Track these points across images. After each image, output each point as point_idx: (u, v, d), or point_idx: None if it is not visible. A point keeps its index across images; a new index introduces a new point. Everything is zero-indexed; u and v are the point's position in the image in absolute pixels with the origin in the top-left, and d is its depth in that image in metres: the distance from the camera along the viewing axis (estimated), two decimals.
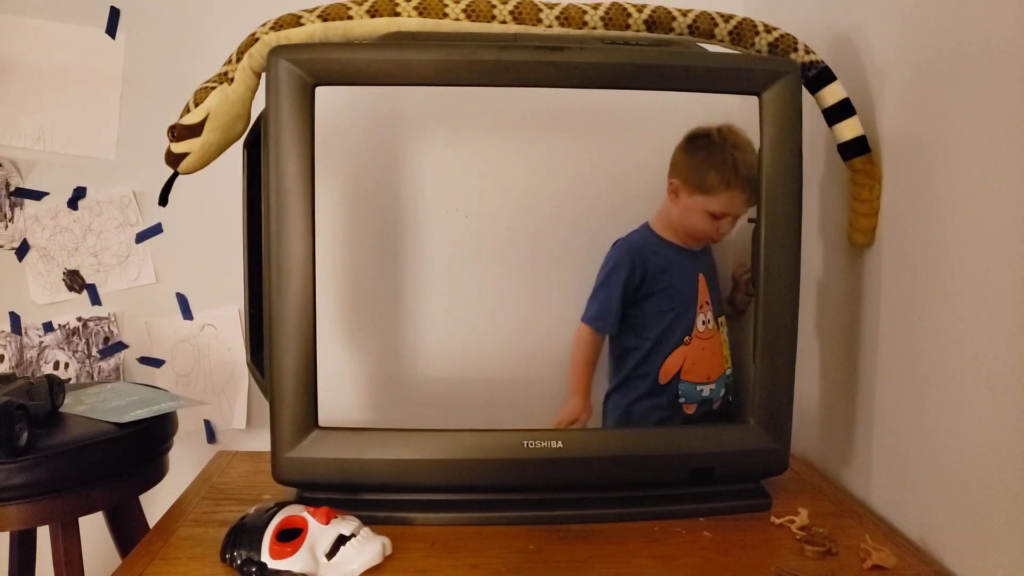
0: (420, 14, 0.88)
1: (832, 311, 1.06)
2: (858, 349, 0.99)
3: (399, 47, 0.86)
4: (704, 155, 1.17)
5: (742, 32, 0.93)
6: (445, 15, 0.88)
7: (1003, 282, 0.73)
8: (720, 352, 1.22)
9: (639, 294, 1.23)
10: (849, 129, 0.92)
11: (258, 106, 0.90)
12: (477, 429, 0.91)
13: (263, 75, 0.88)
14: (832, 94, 0.92)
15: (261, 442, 0.95)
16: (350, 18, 0.88)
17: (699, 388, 1.21)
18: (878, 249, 0.94)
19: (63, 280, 1.34)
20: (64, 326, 1.34)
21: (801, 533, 0.85)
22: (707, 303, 1.20)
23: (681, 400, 1.20)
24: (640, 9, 0.90)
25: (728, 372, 1.23)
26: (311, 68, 0.84)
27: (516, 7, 0.89)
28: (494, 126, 1.24)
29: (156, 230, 1.34)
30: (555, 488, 0.91)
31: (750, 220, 0.91)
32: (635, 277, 1.23)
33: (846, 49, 0.99)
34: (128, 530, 1.06)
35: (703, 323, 1.20)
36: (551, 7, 0.90)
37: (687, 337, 1.20)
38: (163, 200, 0.96)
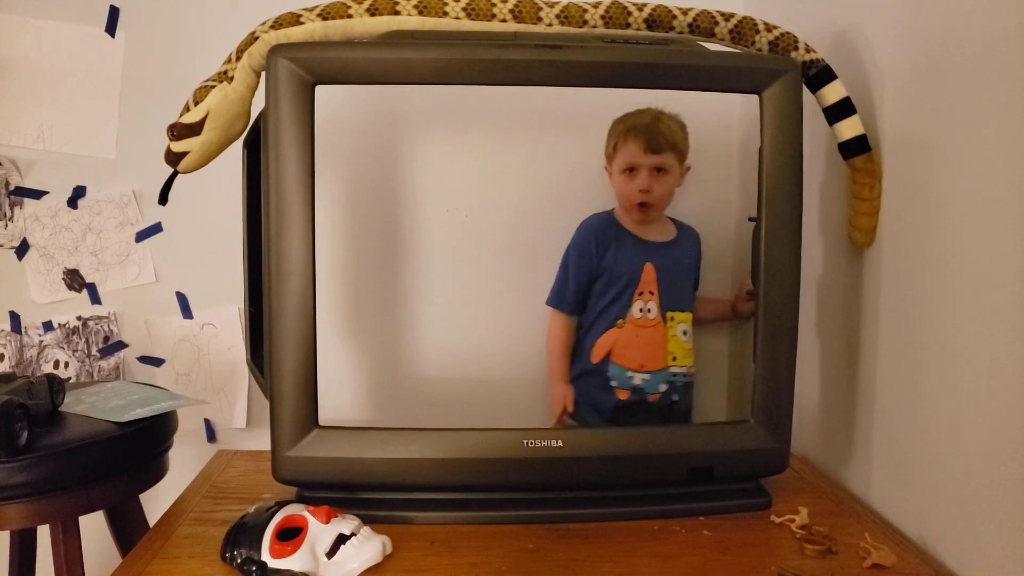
0: (420, 13, 0.88)
1: (832, 310, 1.06)
2: (858, 348, 0.99)
3: (399, 46, 0.86)
4: (613, 126, 1.23)
5: (742, 31, 0.93)
6: (445, 13, 0.88)
7: (1003, 281, 0.73)
8: (661, 345, 1.22)
9: (598, 273, 1.25)
10: (849, 128, 0.92)
11: (258, 105, 0.90)
12: (477, 428, 0.91)
13: (263, 74, 0.87)
14: (833, 93, 0.92)
15: (261, 441, 0.95)
16: (350, 17, 0.88)
17: (629, 374, 1.22)
18: (878, 248, 0.94)
19: (63, 279, 1.34)
20: (64, 325, 1.34)
21: (801, 532, 0.85)
22: (651, 293, 1.22)
23: (613, 383, 1.22)
24: (640, 8, 0.90)
25: (674, 371, 1.23)
26: (311, 67, 0.84)
27: (516, 5, 0.89)
28: (494, 125, 1.24)
29: (156, 229, 1.34)
30: (555, 487, 0.91)
31: (750, 219, 0.91)
32: (591, 257, 1.25)
33: (847, 48, 0.99)
34: (128, 529, 1.06)
35: (640, 310, 1.22)
36: (551, 6, 0.90)
37: (620, 320, 1.22)
38: (163, 199, 0.96)
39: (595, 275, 1.25)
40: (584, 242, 1.26)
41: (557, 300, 1.27)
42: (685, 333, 1.23)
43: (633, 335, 1.22)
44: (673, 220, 1.30)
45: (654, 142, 1.18)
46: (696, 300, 1.28)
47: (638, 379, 1.22)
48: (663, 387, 1.21)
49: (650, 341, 1.22)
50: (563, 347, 1.27)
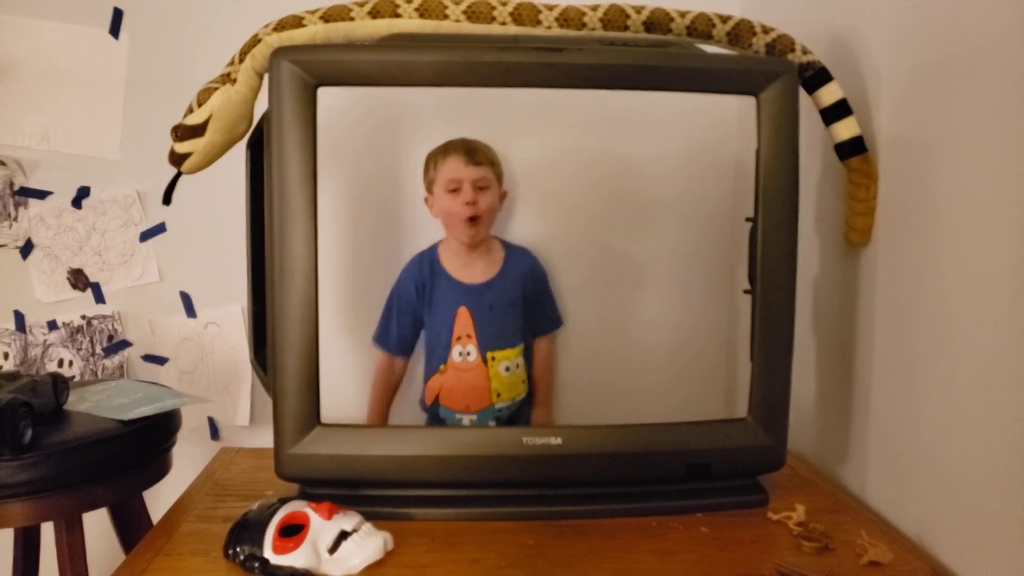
0: (421, 15, 0.88)
1: (828, 309, 1.07)
2: (854, 347, 1.00)
3: (400, 48, 0.87)
4: (428, 159, 1.25)
5: (739, 33, 0.93)
6: (445, 16, 0.89)
7: (998, 280, 0.74)
8: (484, 386, 1.23)
9: (416, 316, 1.27)
10: (846, 129, 0.93)
11: (261, 106, 0.90)
12: (477, 426, 0.92)
13: (266, 76, 0.88)
14: (829, 94, 0.93)
15: (264, 439, 0.95)
16: (352, 19, 0.89)
17: (457, 416, 1.24)
18: (874, 248, 0.95)
19: (67, 279, 1.35)
20: (68, 324, 1.35)
21: (798, 529, 0.86)
22: (468, 336, 1.23)
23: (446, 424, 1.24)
24: (639, 10, 0.91)
25: (499, 407, 1.24)
26: (313, 69, 0.84)
27: (516, 8, 0.89)
28: (494, 127, 1.25)
29: (160, 229, 1.35)
30: (554, 484, 0.91)
31: (747, 219, 0.92)
32: (410, 299, 1.27)
33: (843, 49, 1.00)
34: (132, 526, 1.07)
35: (459, 354, 1.23)
36: (550, 8, 0.90)
37: (442, 365, 1.24)
38: (167, 199, 0.97)
39: (416, 317, 1.27)
40: (405, 284, 1.27)
41: (382, 340, 1.28)
42: (508, 369, 1.24)
43: (455, 379, 1.24)
44: (505, 244, 1.30)
45: (474, 156, 1.21)
46: (532, 327, 1.28)
47: (466, 420, 1.24)
48: (491, 423, 1.23)
49: (473, 384, 1.23)
50: (383, 387, 1.28)
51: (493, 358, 1.23)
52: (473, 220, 1.21)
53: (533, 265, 1.31)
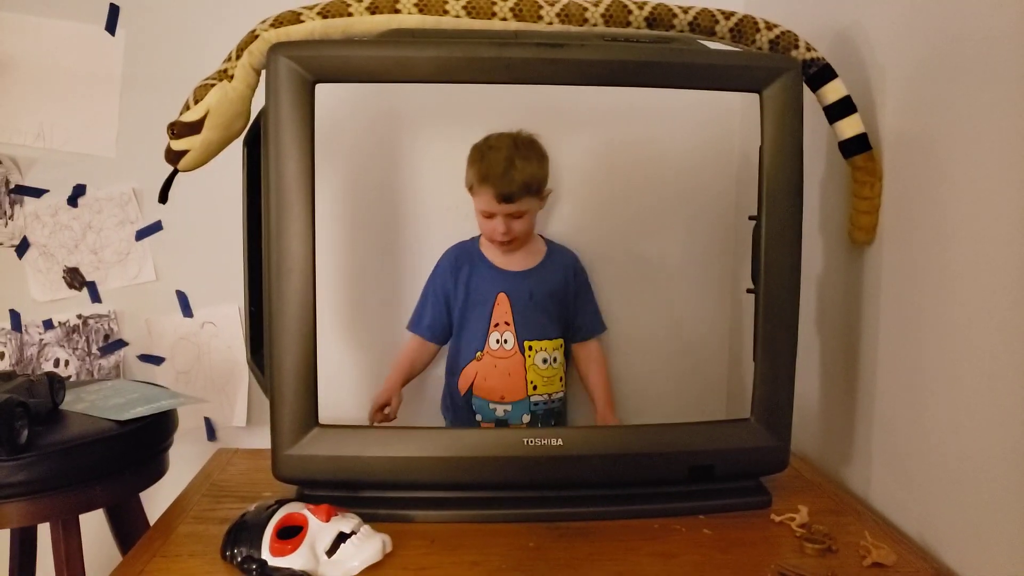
0: (420, 11, 0.88)
1: (832, 309, 1.06)
2: (858, 347, 0.99)
3: (399, 44, 0.86)
4: (469, 160, 1.21)
5: (743, 29, 0.92)
6: (445, 12, 0.88)
7: (1003, 279, 0.73)
8: (520, 376, 1.22)
9: (456, 302, 1.26)
10: (850, 126, 0.92)
11: (258, 103, 0.90)
12: (477, 426, 0.91)
13: (263, 72, 0.87)
14: (833, 91, 0.92)
15: (261, 440, 0.95)
16: (350, 15, 0.88)
17: (491, 406, 1.23)
18: (879, 247, 0.94)
19: (63, 277, 1.34)
20: (64, 323, 1.34)
21: (801, 531, 0.85)
22: (506, 324, 1.22)
23: (477, 416, 1.23)
24: (641, 6, 0.90)
25: (535, 400, 1.23)
26: (311, 65, 0.83)
27: (517, 4, 0.88)
28: (495, 123, 1.24)
29: (156, 227, 1.34)
30: (555, 486, 0.91)
31: (751, 218, 0.91)
32: (445, 286, 1.27)
33: (847, 46, 0.99)
34: (129, 527, 1.06)
35: (497, 342, 1.22)
36: (552, 4, 0.89)
37: (479, 352, 1.23)
38: (163, 197, 0.96)
39: (452, 304, 1.26)
40: (442, 271, 1.27)
41: (415, 324, 1.29)
42: (545, 361, 1.23)
43: (491, 367, 1.23)
44: (548, 242, 1.30)
45: (506, 193, 1.16)
46: (576, 328, 1.28)
47: (500, 411, 1.23)
48: (526, 417, 1.22)
49: (508, 372, 1.22)
50: (406, 362, 1.28)
51: (531, 348, 1.22)
52: (507, 243, 1.22)
53: (576, 262, 1.30)
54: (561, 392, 1.27)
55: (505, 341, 1.22)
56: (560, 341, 1.26)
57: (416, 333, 1.29)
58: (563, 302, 1.27)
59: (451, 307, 1.27)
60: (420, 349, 1.29)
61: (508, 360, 1.22)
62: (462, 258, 1.27)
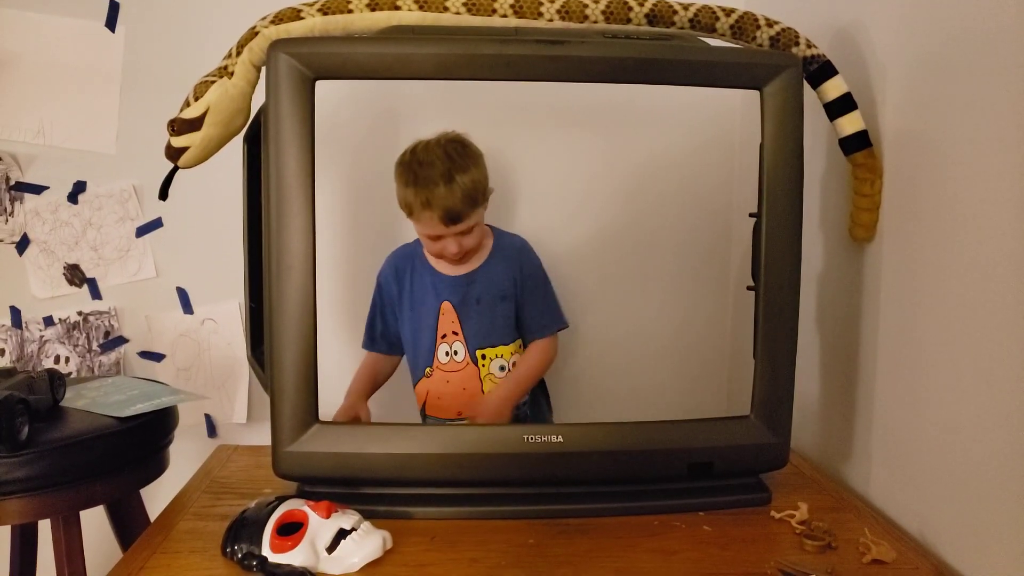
0: (420, 8, 0.88)
1: (832, 306, 1.06)
2: (858, 344, 0.99)
3: (399, 41, 0.86)
4: (399, 179, 1.09)
5: (743, 26, 0.92)
6: (445, 9, 0.88)
7: (1003, 277, 0.73)
8: (475, 388, 1.11)
9: (401, 314, 1.15)
10: (850, 123, 0.92)
11: (258, 100, 0.89)
12: (477, 424, 0.91)
13: (263, 69, 0.87)
14: (834, 88, 0.92)
15: (262, 436, 0.95)
16: (350, 12, 0.88)
17: (449, 424, 1.11)
18: (879, 244, 0.94)
19: (63, 274, 1.34)
20: (64, 320, 1.35)
21: (801, 527, 0.85)
22: (454, 334, 1.11)
23: None
24: (641, 3, 0.90)
25: None
26: (311, 62, 0.83)
27: (517, 0, 0.88)
28: (494, 120, 1.24)
29: (156, 224, 1.34)
30: (555, 482, 0.91)
31: (751, 215, 0.91)
32: (391, 296, 1.16)
33: (848, 43, 0.99)
34: (129, 524, 1.06)
35: (446, 354, 1.11)
36: (552, 1, 0.89)
37: (428, 368, 1.13)
38: (163, 194, 0.96)
39: (402, 315, 1.16)
40: (385, 281, 1.18)
41: (368, 342, 1.19)
42: (503, 368, 1.12)
43: (443, 383, 1.13)
44: (494, 232, 1.18)
45: (452, 214, 1.05)
46: (525, 327, 1.14)
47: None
48: None
49: (463, 386, 1.12)
50: (366, 377, 1.17)
51: (484, 356, 1.12)
52: (460, 260, 1.12)
53: (523, 253, 1.16)
54: (525, 397, 1.16)
55: (455, 352, 1.12)
56: (517, 343, 1.15)
57: (372, 351, 1.19)
58: (515, 299, 1.15)
59: (397, 319, 1.18)
60: (380, 361, 1.20)
61: (461, 373, 1.12)
62: (403, 265, 1.17)
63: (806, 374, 1.06)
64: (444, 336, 1.13)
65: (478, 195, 1.08)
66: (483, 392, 1.13)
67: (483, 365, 1.13)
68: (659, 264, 1.41)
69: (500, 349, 1.13)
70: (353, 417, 1.13)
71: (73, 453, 0.91)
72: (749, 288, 0.92)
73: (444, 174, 1.05)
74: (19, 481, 0.88)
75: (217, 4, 1.28)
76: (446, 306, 1.13)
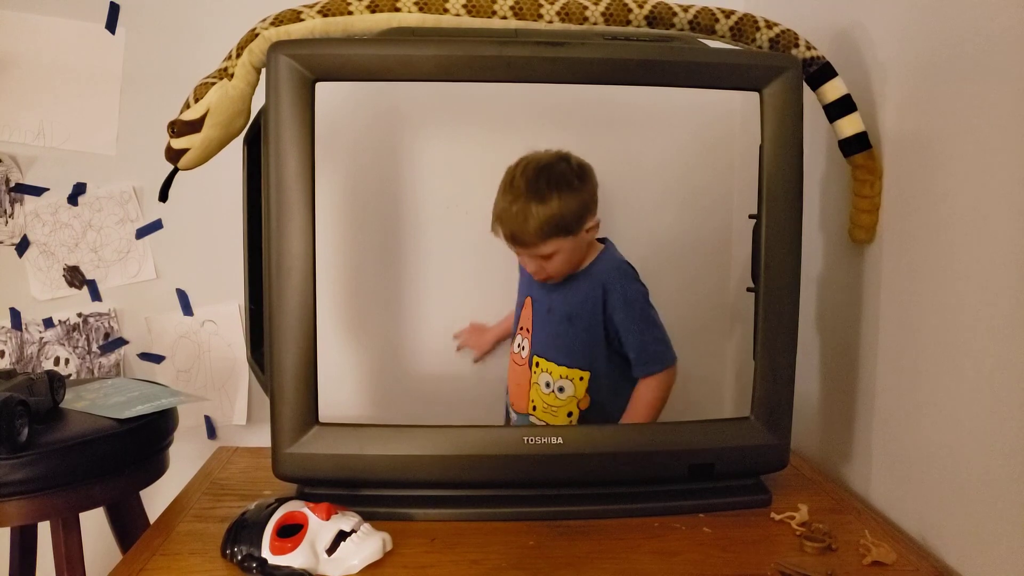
0: (420, 9, 0.88)
1: (832, 307, 1.06)
2: (858, 345, 0.99)
3: (399, 42, 0.86)
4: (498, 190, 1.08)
5: (743, 28, 0.92)
6: (445, 10, 0.88)
7: (1003, 279, 0.73)
8: (525, 388, 1.11)
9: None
10: (850, 125, 0.92)
11: (258, 102, 0.90)
12: (478, 425, 0.91)
13: (263, 71, 0.87)
14: (833, 90, 0.92)
15: (261, 438, 0.95)
16: (350, 13, 0.88)
17: (512, 413, 1.15)
18: (879, 245, 0.94)
19: (63, 276, 1.34)
20: (64, 322, 1.34)
21: (801, 529, 0.85)
22: (526, 330, 1.11)
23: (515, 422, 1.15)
24: (641, 5, 0.90)
25: (534, 421, 1.09)
26: (311, 64, 0.83)
27: (517, 2, 0.88)
28: (495, 122, 1.24)
29: (156, 226, 1.34)
30: (555, 484, 0.91)
31: (751, 216, 0.91)
32: (521, 275, 1.19)
33: (847, 45, 0.99)
34: (129, 526, 1.06)
35: (518, 345, 1.14)
36: (552, 2, 0.89)
37: (510, 350, 1.16)
38: (163, 196, 0.96)
39: None
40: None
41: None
42: (548, 385, 1.09)
43: (512, 368, 1.16)
44: (605, 249, 1.13)
45: (518, 240, 1.04)
46: (608, 364, 1.08)
47: (515, 416, 1.15)
48: None
49: (518, 380, 1.13)
50: (507, 323, 1.22)
51: (538, 364, 1.10)
52: (541, 278, 1.10)
53: (615, 280, 1.09)
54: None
55: (522, 348, 1.13)
56: (572, 372, 1.08)
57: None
58: (589, 329, 1.08)
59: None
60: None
61: (521, 368, 1.14)
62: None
63: (806, 375, 1.06)
64: (521, 328, 1.15)
65: (551, 228, 1.03)
66: (528, 395, 1.11)
67: (535, 372, 1.11)
68: (659, 265, 1.41)
69: (550, 366, 1.10)
70: (478, 331, 1.21)
71: (73, 455, 0.91)
72: (749, 289, 0.92)
73: (518, 198, 1.04)
74: (18, 483, 0.88)
75: (217, 6, 1.28)
76: (528, 301, 1.15)
